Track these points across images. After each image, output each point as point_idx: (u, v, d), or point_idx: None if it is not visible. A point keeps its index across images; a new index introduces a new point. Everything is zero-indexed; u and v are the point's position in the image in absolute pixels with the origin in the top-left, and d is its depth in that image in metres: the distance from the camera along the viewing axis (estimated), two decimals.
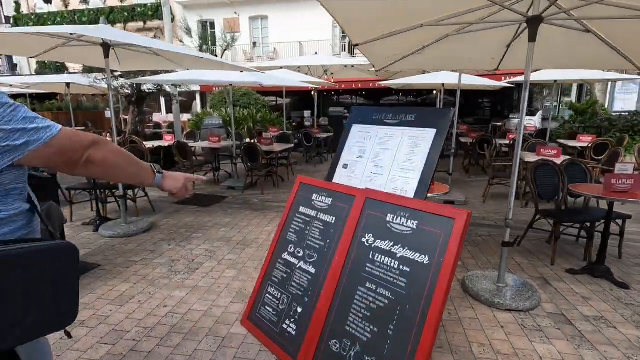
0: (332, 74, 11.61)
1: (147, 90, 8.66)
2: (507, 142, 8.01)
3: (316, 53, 16.46)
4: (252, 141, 7.05)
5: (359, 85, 14.38)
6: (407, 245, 1.88)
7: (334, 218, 2.23)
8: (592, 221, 3.56)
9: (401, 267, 1.87)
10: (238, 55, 20.13)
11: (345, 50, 20.17)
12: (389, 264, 1.92)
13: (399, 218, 1.94)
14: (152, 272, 3.36)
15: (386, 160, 2.20)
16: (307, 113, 13.14)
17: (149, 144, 7.74)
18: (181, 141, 6.92)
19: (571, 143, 7.63)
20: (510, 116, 13.61)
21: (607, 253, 3.69)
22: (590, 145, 6.87)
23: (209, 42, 14.26)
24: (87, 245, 4.02)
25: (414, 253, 1.85)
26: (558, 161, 4.36)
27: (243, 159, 6.46)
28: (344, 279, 2.06)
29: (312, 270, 2.23)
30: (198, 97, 21.69)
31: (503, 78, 10.31)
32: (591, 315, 2.69)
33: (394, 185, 2.11)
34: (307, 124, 13.94)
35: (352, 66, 11.15)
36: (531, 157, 5.58)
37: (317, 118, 11.87)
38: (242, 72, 5.44)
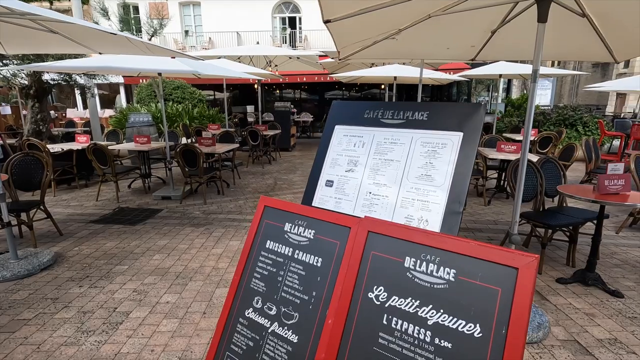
0: (276, 65, 10.79)
1: (50, 81, 7.05)
2: None
3: (258, 43, 15.41)
4: (190, 141, 6.03)
5: (305, 79, 13.71)
6: (443, 307, 1.26)
7: (320, 260, 1.56)
8: (577, 224, 3.35)
9: (437, 340, 1.25)
10: (168, 44, 18.19)
11: (286, 43, 19.33)
12: (416, 335, 1.30)
13: (426, 264, 1.33)
14: (50, 337, 2.37)
15: (391, 175, 1.58)
16: (250, 108, 12.14)
17: (56, 147, 6.28)
18: (98, 143, 5.65)
19: (517, 137, 7.82)
20: None
21: (580, 253, 3.53)
22: (537, 139, 7.03)
23: (132, 27, 12.49)
24: None
25: (455, 319, 1.24)
26: (533, 158, 4.16)
27: (180, 163, 5.44)
28: (344, 357, 1.41)
29: (293, 339, 1.54)
30: (122, 90, 19.29)
31: (449, 73, 10.41)
32: (604, 338, 2.37)
33: (407, 212, 1.50)
34: (250, 120, 12.95)
35: (298, 58, 10.43)
36: (492, 153, 5.44)
37: (261, 113, 10.97)
38: (173, 58, 4.45)
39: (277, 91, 18.81)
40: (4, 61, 6.34)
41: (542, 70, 8.56)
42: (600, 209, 2.95)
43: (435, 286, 1.27)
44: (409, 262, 1.34)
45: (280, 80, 13.04)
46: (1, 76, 6.74)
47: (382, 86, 12.03)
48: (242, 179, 7.16)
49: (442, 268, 1.27)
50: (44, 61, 5.98)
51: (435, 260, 1.29)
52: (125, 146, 6.47)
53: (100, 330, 2.42)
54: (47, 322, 2.51)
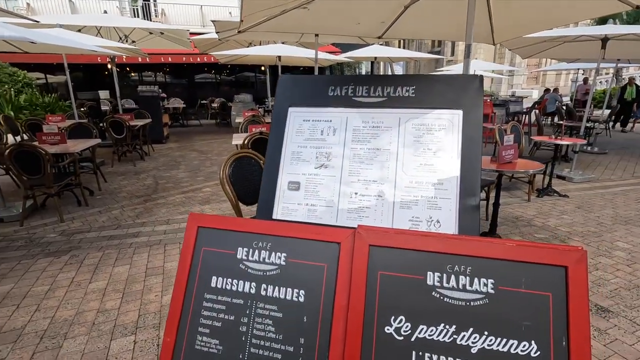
0: (133, 42, 8.98)
1: None
2: None
3: (105, 12, 12.64)
4: (24, 140, 4.45)
5: (171, 59, 11.97)
6: (486, 327, 1.03)
7: (302, 292, 1.14)
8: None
9: None
10: None
11: (138, 16, 16.53)
12: None
13: (455, 277, 1.07)
14: None
15: (381, 169, 1.24)
16: (103, 93, 9.93)
17: None
18: None
19: None
20: None
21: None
22: None
23: None
24: None
25: (504, 340, 1.02)
26: None
27: (12, 171, 3.91)
28: None
29: None
30: None
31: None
32: None
33: (412, 214, 1.19)
34: (104, 108, 10.65)
35: (162, 33, 8.93)
36: None
37: (119, 100, 9.06)
38: None
39: (134, 73, 16.06)
40: None
41: (401, 53, 9.42)
42: (498, 178, 3.30)
43: (471, 303, 1.01)
44: (432, 278, 1.05)
45: (140, 59, 11.04)
46: None
47: (263, 67, 11.45)
48: (109, 182, 5.75)
49: (476, 279, 1.02)
50: None
51: (466, 271, 1.03)
52: None
53: None
54: None
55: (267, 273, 1.15)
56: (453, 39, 3.87)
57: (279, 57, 7.49)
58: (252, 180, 2.97)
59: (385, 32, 3.33)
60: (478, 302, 0.99)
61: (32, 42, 3.41)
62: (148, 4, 17.00)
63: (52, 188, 4.10)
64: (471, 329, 0.97)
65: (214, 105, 13.35)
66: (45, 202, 4.58)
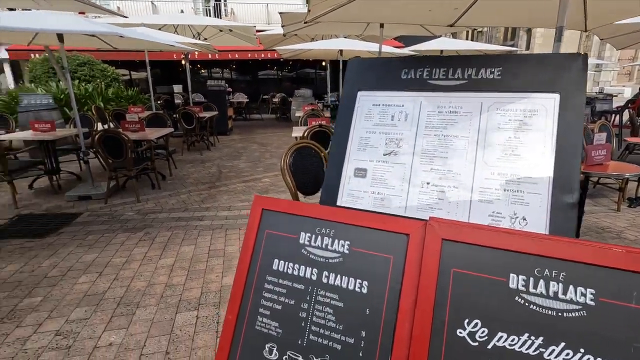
0: (205, 39, 9.57)
1: None
2: None
3: (182, 11, 13.66)
4: (112, 127, 4.94)
5: (237, 56, 12.57)
6: (581, 343, 0.88)
7: (365, 284, 1.06)
8: None
9: None
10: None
11: (210, 16, 17.58)
12: None
13: (545, 283, 0.92)
14: None
15: (457, 158, 1.14)
16: (176, 87, 10.74)
17: None
18: None
19: None
20: None
21: None
22: None
23: None
24: None
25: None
26: None
27: (100, 154, 4.38)
28: None
29: None
30: (7, 68, 15.87)
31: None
32: None
33: (492, 208, 1.07)
34: (177, 101, 11.52)
35: (230, 30, 9.39)
36: None
37: (190, 94, 9.74)
38: (83, 14, 3.38)
39: (204, 70, 17.16)
40: None
41: (469, 45, 8.79)
42: (585, 180, 2.92)
43: (564, 314, 0.87)
44: (516, 281, 0.93)
45: (210, 56, 11.75)
46: None
47: (324, 62, 11.52)
48: (179, 168, 6.20)
49: (571, 287, 0.88)
50: None
51: (559, 277, 0.89)
52: (19, 135, 5.07)
53: None
54: None
55: (329, 260, 1.11)
56: (537, 25, 3.49)
57: (341, 51, 7.45)
58: (312, 170, 2.98)
59: (457, 20, 3.10)
60: (573, 313, 0.86)
61: (121, 36, 3.76)
62: (219, 4, 18.01)
63: (132, 171, 4.51)
64: (563, 344, 0.84)
65: (275, 100, 13.75)
66: (125, 184, 5.07)
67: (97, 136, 4.30)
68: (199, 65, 16.61)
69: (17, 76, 16.10)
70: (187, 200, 4.57)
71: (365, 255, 1.08)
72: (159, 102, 10.45)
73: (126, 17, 3.89)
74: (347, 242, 1.11)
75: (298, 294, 1.12)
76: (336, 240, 1.12)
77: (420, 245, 1.01)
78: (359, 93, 1.33)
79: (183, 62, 8.99)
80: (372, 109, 1.30)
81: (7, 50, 11.54)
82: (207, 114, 7.92)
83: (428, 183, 1.15)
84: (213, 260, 3.02)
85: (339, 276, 1.09)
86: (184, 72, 8.40)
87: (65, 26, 3.37)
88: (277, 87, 17.13)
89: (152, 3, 16.18)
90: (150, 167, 4.97)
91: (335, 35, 8.70)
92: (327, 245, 1.12)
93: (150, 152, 5.07)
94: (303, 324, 1.09)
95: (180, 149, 7.56)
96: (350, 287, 1.07)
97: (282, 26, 5.09)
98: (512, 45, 28.18)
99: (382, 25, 4.63)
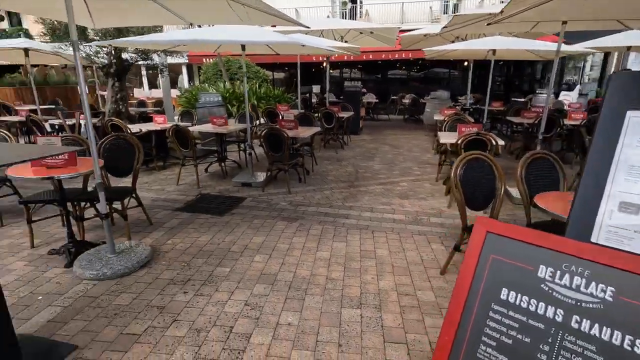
0: (346, 41, 9.97)
1: (129, 59, 6.91)
2: (528, 120, 6.93)
3: (328, 17, 14.58)
4: (275, 125, 5.56)
5: (383, 56, 12.81)
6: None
7: (638, 342, 0.83)
8: None
9: None
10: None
11: (346, 18, 18.25)
12: None
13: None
14: None
15: None
16: (315, 88, 11.51)
17: (135, 128, 6.14)
18: (181, 125, 5.37)
19: None
20: (537, 91, 12.35)
21: None
22: None
23: None
24: (56, 296, 2.59)
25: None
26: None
27: (264, 148, 4.99)
28: None
29: None
30: (184, 70, 19.57)
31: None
32: None
33: None
34: (313, 100, 12.35)
35: (371, 32, 9.55)
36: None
37: (328, 94, 10.30)
38: (274, 26, 3.89)
39: (332, 70, 17.97)
40: (88, 39, 6.24)
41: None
42: None
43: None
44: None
45: (345, 57, 12.22)
46: (84, 54, 6.70)
47: (466, 62, 10.73)
48: (318, 165, 6.63)
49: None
50: (124, 37, 5.76)
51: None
52: (202, 128, 6.17)
53: None
54: (159, 342, 2.13)
55: (583, 304, 0.97)
56: None
57: (494, 50, 6.79)
58: (482, 184, 2.77)
59: None
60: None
61: (302, 45, 4.19)
62: (355, 7, 18.54)
63: (286, 165, 5.01)
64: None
65: (405, 101, 13.47)
66: (276, 176, 5.67)
67: (262, 132, 4.91)
68: (333, 68, 17.50)
69: (190, 77, 19.73)
70: (331, 197, 4.83)
71: (637, 307, 0.90)
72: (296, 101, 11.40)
73: (308, 27, 4.29)
74: (611, 288, 0.94)
75: (535, 332, 1.02)
76: (593, 283, 0.96)
77: None
78: (629, 113, 1.13)
79: (324, 64, 9.55)
80: None
81: (187, 55, 14.19)
82: (345, 114, 8.26)
83: None
84: (366, 261, 3.11)
85: (596, 325, 0.94)
86: (319, 72, 8.94)
87: (263, 38, 3.93)
88: (404, 87, 16.77)
89: (296, 10, 17.67)
90: (299, 163, 5.44)
91: (483, 34, 7.99)
92: (578, 285, 0.98)
93: (301, 149, 5.53)
94: None
95: (318, 147, 8.08)
96: (616, 342, 0.91)
97: (443, 27, 4.89)
98: None
99: (564, 22, 3.99)
